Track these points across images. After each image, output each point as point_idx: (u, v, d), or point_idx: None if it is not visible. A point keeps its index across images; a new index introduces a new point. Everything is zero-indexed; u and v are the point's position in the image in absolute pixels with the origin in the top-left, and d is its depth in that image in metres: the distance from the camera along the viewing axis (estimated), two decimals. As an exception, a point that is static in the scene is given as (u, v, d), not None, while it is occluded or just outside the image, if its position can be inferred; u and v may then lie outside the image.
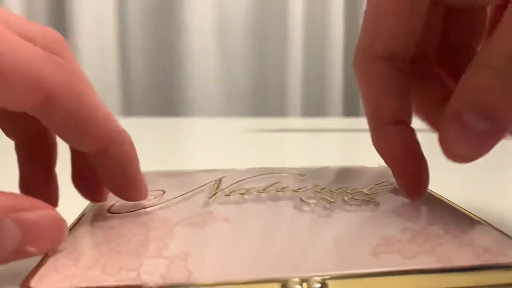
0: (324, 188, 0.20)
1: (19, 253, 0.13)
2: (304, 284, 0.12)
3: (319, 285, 0.12)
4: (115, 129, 0.16)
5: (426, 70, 0.20)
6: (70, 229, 0.15)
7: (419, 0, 0.17)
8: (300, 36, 1.02)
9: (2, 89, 0.13)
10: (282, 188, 0.20)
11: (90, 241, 0.15)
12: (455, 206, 0.18)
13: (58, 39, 0.17)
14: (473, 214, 0.17)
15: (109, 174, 0.16)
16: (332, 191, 0.19)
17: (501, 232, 0.15)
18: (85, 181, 0.18)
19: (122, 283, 0.12)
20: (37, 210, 0.13)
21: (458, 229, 0.15)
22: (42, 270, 0.12)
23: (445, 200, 0.19)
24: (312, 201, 0.18)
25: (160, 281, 0.12)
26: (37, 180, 0.18)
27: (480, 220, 0.16)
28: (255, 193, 0.19)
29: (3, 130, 0.18)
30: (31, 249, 0.13)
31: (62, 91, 0.14)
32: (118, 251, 0.13)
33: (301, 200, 0.18)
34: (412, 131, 0.19)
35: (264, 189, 0.19)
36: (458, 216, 0.17)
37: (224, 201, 0.18)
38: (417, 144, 0.19)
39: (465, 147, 0.15)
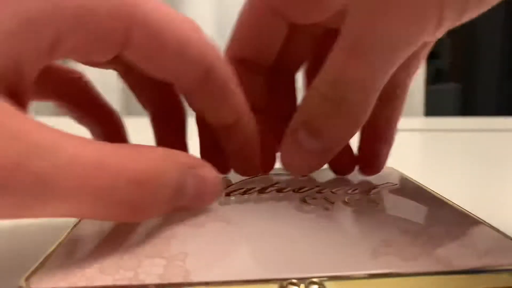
0: (325, 188, 0.20)
1: (192, 203, 0.15)
2: (302, 285, 0.12)
3: (316, 286, 0.12)
4: (245, 102, 0.18)
5: (285, 81, 0.23)
6: (71, 228, 0.15)
7: (268, 19, 0.20)
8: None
9: (180, 61, 0.16)
10: (283, 189, 0.19)
11: (90, 240, 0.15)
12: (456, 206, 0.18)
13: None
14: (475, 215, 0.17)
15: (237, 146, 0.19)
16: (333, 192, 0.19)
17: (503, 234, 0.15)
18: (214, 155, 0.20)
19: (119, 283, 0.12)
20: (204, 168, 0.15)
21: (459, 230, 0.15)
22: (42, 270, 0.12)
23: (446, 200, 0.19)
24: (312, 201, 0.18)
25: (157, 281, 0.12)
26: (173, 145, 0.20)
27: (481, 221, 0.16)
28: (255, 193, 0.19)
29: (140, 102, 0.21)
30: (198, 201, 0.15)
31: (219, 64, 0.17)
32: (117, 251, 0.13)
33: (302, 200, 0.18)
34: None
35: (264, 189, 0.19)
36: (459, 217, 0.17)
37: (224, 201, 0.18)
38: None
39: (298, 160, 0.18)
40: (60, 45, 0.14)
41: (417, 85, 1.03)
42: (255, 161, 0.20)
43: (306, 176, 0.22)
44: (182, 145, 0.21)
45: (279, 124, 0.21)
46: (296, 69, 0.23)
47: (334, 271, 0.12)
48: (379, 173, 0.23)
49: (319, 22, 0.19)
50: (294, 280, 0.12)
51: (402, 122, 0.25)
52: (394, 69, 0.16)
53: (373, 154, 0.22)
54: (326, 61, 0.17)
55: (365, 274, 0.12)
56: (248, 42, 0.21)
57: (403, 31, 0.15)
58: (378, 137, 0.23)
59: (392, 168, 0.24)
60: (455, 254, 0.13)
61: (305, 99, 0.18)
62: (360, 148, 0.23)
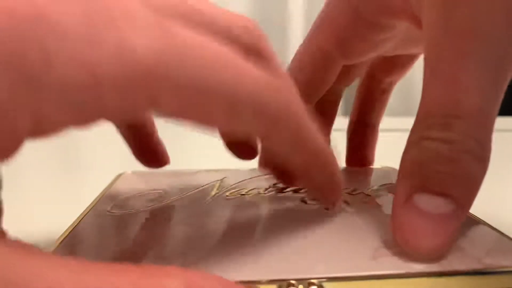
0: None
1: None
2: (301, 286, 0.12)
3: (315, 287, 0.12)
4: (321, 150, 0.15)
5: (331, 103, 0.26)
6: (71, 228, 0.15)
7: (324, 64, 0.21)
8: (300, 36, 1.01)
9: (232, 120, 0.12)
10: (283, 189, 0.19)
11: (89, 240, 0.15)
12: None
13: (259, 33, 0.15)
14: (475, 216, 0.17)
15: (314, 185, 0.16)
16: None
17: (503, 234, 0.15)
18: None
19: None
20: None
21: (459, 231, 0.15)
22: None
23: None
24: (312, 202, 0.18)
25: None
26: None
27: (481, 222, 0.16)
28: (256, 193, 0.19)
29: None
30: None
31: (283, 118, 0.13)
32: (116, 251, 0.13)
33: (302, 201, 0.18)
34: None
35: (265, 190, 0.19)
36: None
37: (225, 201, 0.18)
38: None
39: (429, 232, 0.13)
40: None
41: (417, 85, 1.03)
42: (337, 195, 0.17)
43: None
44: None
45: None
46: (343, 87, 0.25)
47: (333, 272, 0.12)
48: (379, 173, 0.23)
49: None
50: (292, 281, 0.12)
51: (402, 122, 0.25)
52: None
53: (362, 158, 0.26)
54: (422, 100, 0.15)
55: (364, 275, 0.12)
56: (301, 83, 0.22)
57: None
58: (366, 142, 0.26)
59: (392, 168, 0.24)
60: (455, 255, 0.13)
61: (407, 156, 0.15)
62: (349, 152, 0.26)
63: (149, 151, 0.22)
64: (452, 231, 0.13)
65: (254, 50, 0.14)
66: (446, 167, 0.13)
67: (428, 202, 0.13)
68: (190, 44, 0.11)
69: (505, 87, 0.14)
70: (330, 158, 0.15)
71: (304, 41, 0.22)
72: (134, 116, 0.12)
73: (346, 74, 0.24)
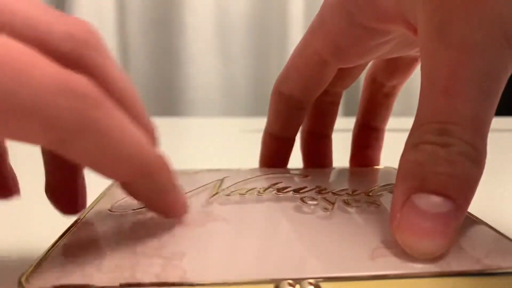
0: (325, 189, 0.19)
1: None
2: (298, 286, 0.12)
3: (312, 287, 0.12)
4: (143, 160, 0.13)
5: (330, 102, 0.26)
6: (71, 227, 0.15)
7: (318, 66, 0.22)
8: (300, 36, 1.01)
9: (10, 127, 0.11)
10: (283, 189, 0.19)
11: (89, 239, 0.15)
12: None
13: (87, 39, 0.13)
14: (474, 216, 0.17)
15: (141, 199, 0.15)
16: (334, 193, 0.19)
17: (503, 235, 0.15)
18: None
19: (117, 282, 0.12)
20: None
21: (459, 232, 0.15)
22: (40, 267, 0.12)
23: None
24: (312, 202, 0.18)
25: (154, 280, 0.12)
26: (63, 183, 0.17)
27: (481, 222, 0.16)
28: (256, 193, 0.19)
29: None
30: None
31: (79, 131, 0.11)
32: (116, 250, 0.13)
33: (301, 201, 0.18)
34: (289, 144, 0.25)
35: (265, 190, 0.19)
36: None
37: (225, 201, 0.18)
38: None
39: (429, 230, 0.13)
40: None
41: (418, 85, 1.03)
42: (165, 210, 0.16)
43: (308, 176, 0.22)
44: (74, 179, 0.18)
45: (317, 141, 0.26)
46: (343, 88, 0.26)
47: (330, 272, 0.12)
48: (380, 174, 0.23)
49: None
50: (290, 281, 0.12)
51: (402, 122, 0.25)
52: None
53: (367, 162, 0.26)
54: (420, 105, 0.15)
55: (362, 275, 0.12)
56: (296, 84, 0.23)
57: None
58: (371, 145, 0.26)
59: (392, 168, 0.24)
60: (454, 256, 0.13)
61: (405, 160, 0.15)
62: (353, 154, 0.27)
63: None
64: (451, 231, 0.13)
65: (72, 57, 0.13)
66: (443, 168, 0.14)
67: (426, 202, 0.13)
68: None
69: (499, 95, 0.14)
70: (156, 173, 0.14)
71: (298, 45, 0.22)
72: None
73: (344, 76, 0.24)
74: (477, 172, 0.14)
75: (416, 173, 0.14)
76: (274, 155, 0.25)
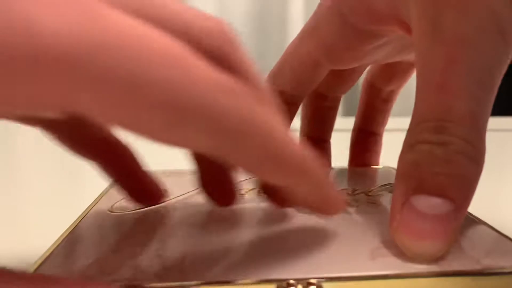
0: None
1: None
2: (299, 286, 0.12)
3: (314, 287, 0.12)
4: (302, 158, 0.12)
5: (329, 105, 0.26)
6: (71, 228, 0.15)
7: (311, 66, 0.22)
8: (300, 36, 1.02)
9: (176, 130, 0.10)
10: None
11: (90, 239, 0.15)
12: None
13: (226, 37, 0.13)
14: (474, 216, 0.17)
15: (301, 199, 0.14)
16: None
17: (503, 235, 0.15)
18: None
19: (117, 283, 0.12)
20: None
21: (459, 231, 0.15)
22: (41, 268, 0.12)
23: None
24: None
25: (155, 281, 0.12)
26: (216, 177, 0.17)
27: (481, 222, 0.16)
28: (255, 193, 0.19)
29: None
30: None
31: (244, 132, 0.11)
32: (116, 250, 0.13)
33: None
34: None
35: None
36: None
37: None
38: None
39: (427, 231, 0.13)
40: None
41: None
42: (334, 206, 0.15)
43: None
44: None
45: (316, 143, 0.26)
46: (341, 93, 0.26)
47: (332, 272, 0.12)
48: (379, 173, 0.23)
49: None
50: (291, 281, 0.12)
51: (403, 122, 0.25)
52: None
53: (365, 165, 0.26)
54: (416, 105, 0.15)
55: (363, 275, 0.12)
56: (288, 80, 0.23)
57: None
58: (369, 150, 0.26)
59: (393, 168, 0.24)
60: (454, 255, 0.13)
61: (403, 160, 0.14)
62: (352, 158, 0.27)
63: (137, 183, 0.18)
64: (451, 232, 0.13)
65: (217, 55, 0.12)
66: (441, 168, 0.13)
67: (425, 203, 0.13)
68: (123, 31, 0.09)
69: (495, 90, 0.14)
70: (313, 170, 0.13)
71: (292, 44, 0.22)
72: (49, 113, 0.09)
73: (342, 81, 0.25)
74: (476, 171, 0.14)
75: (414, 174, 0.14)
76: None
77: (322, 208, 0.15)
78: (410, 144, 0.14)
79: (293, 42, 0.22)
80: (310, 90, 0.23)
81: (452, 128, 0.14)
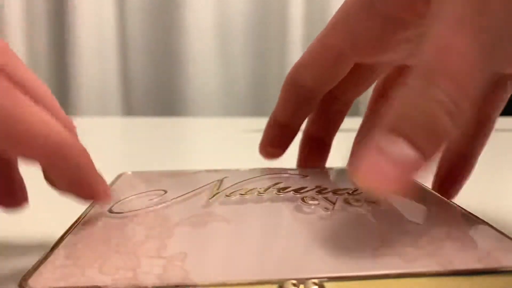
0: (326, 189, 0.19)
1: None
2: (301, 286, 0.12)
3: (316, 287, 0.12)
4: (57, 140, 0.15)
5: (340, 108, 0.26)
6: (71, 228, 0.15)
7: (335, 59, 0.21)
8: (300, 36, 1.01)
9: None
10: (284, 189, 0.19)
11: (90, 240, 0.15)
12: (457, 207, 0.18)
13: (8, 53, 0.15)
14: (476, 216, 0.17)
15: (63, 184, 0.16)
16: (334, 192, 0.19)
17: (504, 234, 0.15)
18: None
19: (118, 283, 0.12)
20: None
21: (460, 231, 0.15)
22: (41, 269, 0.12)
23: (447, 201, 0.19)
24: (313, 202, 0.18)
25: (156, 281, 0.12)
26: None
27: (482, 222, 0.16)
28: (256, 193, 0.19)
29: None
30: None
31: None
32: (117, 251, 0.13)
33: (302, 201, 0.18)
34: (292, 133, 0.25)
35: (265, 190, 0.19)
36: (460, 218, 0.17)
37: (225, 201, 0.18)
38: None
39: (386, 174, 0.13)
40: None
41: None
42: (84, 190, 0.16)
43: (308, 176, 0.22)
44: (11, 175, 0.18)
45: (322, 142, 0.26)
46: (354, 97, 0.25)
47: (333, 271, 0.12)
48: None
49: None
50: (293, 281, 0.12)
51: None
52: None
53: (451, 184, 0.23)
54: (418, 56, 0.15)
55: (364, 274, 0.12)
56: (310, 73, 0.22)
57: None
58: (459, 170, 0.24)
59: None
60: (456, 255, 0.13)
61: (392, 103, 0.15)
62: (437, 176, 0.24)
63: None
64: (407, 178, 0.13)
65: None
66: (416, 114, 0.14)
67: (393, 146, 0.13)
68: None
69: (498, 61, 0.14)
70: (72, 150, 0.15)
71: (319, 36, 0.22)
72: None
73: (358, 82, 0.24)
74: (451, 128, 0.14)
75: (392, 114, 0.14)
76: (275, 141, 0.25)
77: (83, 193, 0.16)
78: (400, 90, 0.14)
79: (319, 34, 0.22)
80: (330, 85, 0.23)
81: (441, 82, 0.14)
